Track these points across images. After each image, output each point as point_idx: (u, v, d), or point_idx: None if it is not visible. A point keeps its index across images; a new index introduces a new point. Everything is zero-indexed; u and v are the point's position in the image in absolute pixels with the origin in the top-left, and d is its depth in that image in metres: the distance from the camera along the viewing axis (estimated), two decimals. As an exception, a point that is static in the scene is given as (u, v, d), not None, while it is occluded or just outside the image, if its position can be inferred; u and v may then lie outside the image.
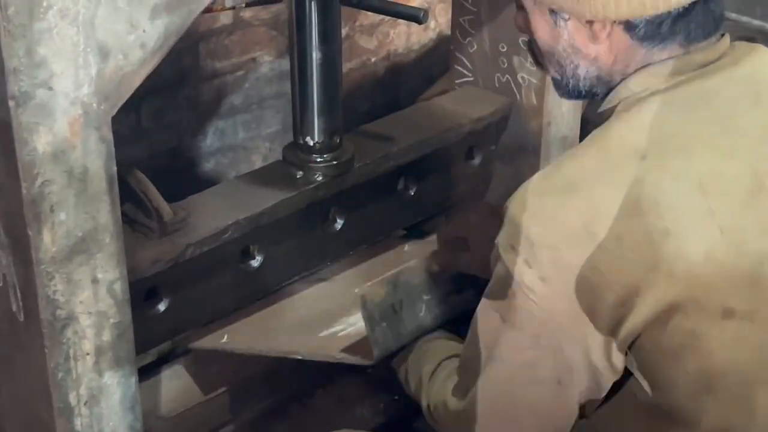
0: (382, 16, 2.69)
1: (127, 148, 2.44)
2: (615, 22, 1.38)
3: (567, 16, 1.40)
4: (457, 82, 2.35)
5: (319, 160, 2.00)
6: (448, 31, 2.47)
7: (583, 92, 1.48)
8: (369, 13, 2.60)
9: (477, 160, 2.33)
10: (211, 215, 1.86)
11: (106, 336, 1.56)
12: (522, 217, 1.35)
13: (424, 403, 1.66)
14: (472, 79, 2.32)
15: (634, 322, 1.32)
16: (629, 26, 1.39)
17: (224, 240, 1.85)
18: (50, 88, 1.36)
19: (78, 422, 1.58)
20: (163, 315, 1.84)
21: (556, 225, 1.33)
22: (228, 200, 1.91)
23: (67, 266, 1.47)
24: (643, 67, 1.41)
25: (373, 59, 2.94)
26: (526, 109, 2.24)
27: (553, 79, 1.51)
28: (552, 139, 2.26)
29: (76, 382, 1.55)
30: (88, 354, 1.55)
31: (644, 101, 1.39)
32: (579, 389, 1.40)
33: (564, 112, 2.25)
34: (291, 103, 2.01)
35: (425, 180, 2.23)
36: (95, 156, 1.44)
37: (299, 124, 2.01)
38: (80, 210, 1.45)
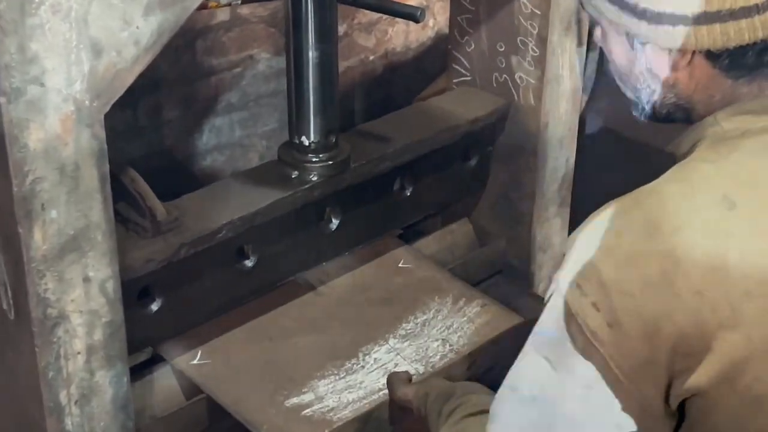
0: (380, 15, 2.68)
1: (123, 145, 2.43)
2: (696, 51, 1.32)
3: (644, 40, 1.35)
4: (454, 81, 2.35)
5: (314, 159, 1.99)
6: (446, 30, 2.45)
7: (661, 118, 1.41)
8: (367, 11, 2.58)
9: (473, 161, 2.32)
10: (205, 215, 1.85)
11: (98, 335, 1.56)
12: (594, 254, 1.24)
13: None
14: (470, 78, 2.31)
15: (698, 378, 1.25)
16: (712, 55, 1.31)
17: (218, 240, 1.84)
18: (42, 85, 1.36)
19: (69, 421, 1.58)
20: (156, 315, 1.83)
21: (634, 270, 1.22)
22: (222, 200, 1.91)
23: (59, 264, 1.47)
24: (732, 101, 1.33)
25: (371, 57, 2.93)
26: (524, 109, 2.23)
27: (629, 101, 1.45)
28: (550, 140, 2.25)
29: (67, 381, 1.55)
30: (79, 353, 1.55)
31: (735, 141, 1.29)
32: None
33: (562, 113, 2.24)
34: (287, 99, 2.01)
35: (421, 180, 2.22)
36: (87, 153, 1.44)
37: (295, 123, 2.00)
38: (72, 208, 1.45)
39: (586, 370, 1.26)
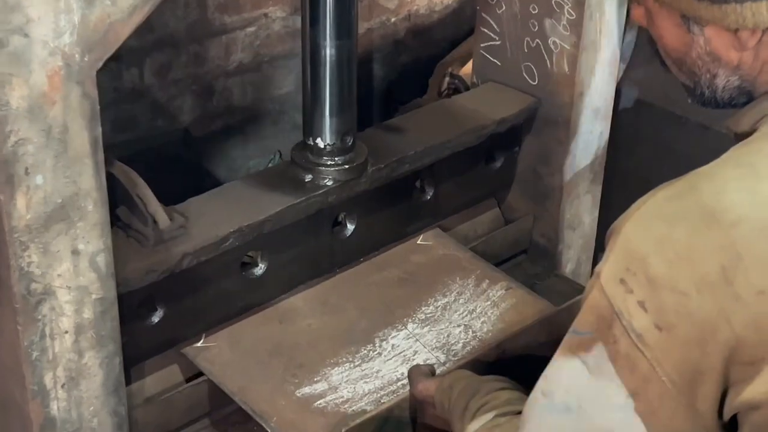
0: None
1: (128, 106, 2.32)
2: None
3: (704, 22, 1.24)
4: (482, 45, 2.20)
5: (329, 163, 1.87)
6: (474, -9, 2.30)
7: (721, 103, 1.32)
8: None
9: (498, 163, 2.20)
10: (211, 221, 1.73)
11: (87, 313, 1.46)
12: (642, 246, 1.12)
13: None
14: (498, 42, 2.16)
15: (755, 390, 1.11)
16: None
17: (224, 249, 1.73)
18: (26, 36, 1.24)
19: (54, 406, 1.48)
20: (157, 326, 1.72)
21: (688, 265, 1.11)
22: (230, 205, 1.78)
23: (44, 235, 1.36)
24: None
25: (393, 19, 2.79)
26: (557, 77, 2.08)
27: (684, 86, 1.35)
28: (584, 111, 2.10)
29: (53, 362, 1.45)
30: (66, 332, 1.44)
31: None
32: None
33: (598, 82, 2.09)
34: (302, 97, 1.89)
35: (443, 183, 2.10)
36: (77, 114, 1.33)
37: (309, 123, 1.88)
38: (59, 173, 1.34)
39: (628, 377, 1.13)
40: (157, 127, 2.40)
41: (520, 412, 1.35)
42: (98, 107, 1.34)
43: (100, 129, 1.35)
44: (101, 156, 1.37)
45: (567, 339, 1.20)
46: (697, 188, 1.15)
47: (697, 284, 1.09)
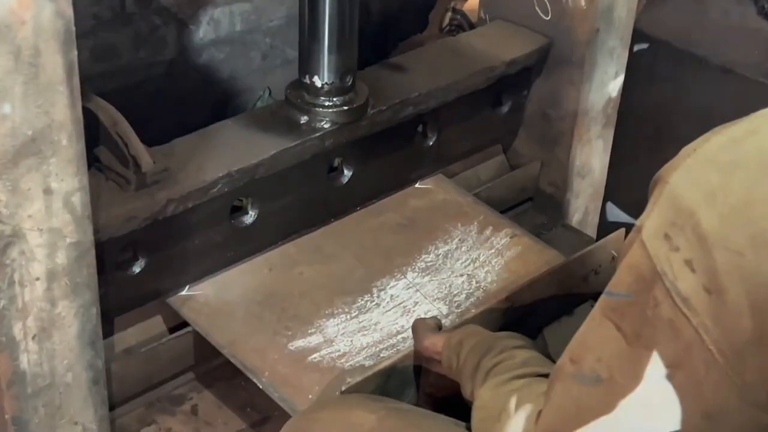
0: None
1: (109, 34, 2.17)
2: None
3: None
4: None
5: (327, 104, 1.74)
6: None
7: None
8: None
9: (505, 108, 2.08)
10: (198, 165, 1.61)
11: (61, 258, 1.34)
12: (691, 198, 0.99)
13: (468, 393, 1.35)
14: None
15: None
16: None
17: (212, 195, 1.60)
18: None
19: (24, 359, 1.37)
20: (139, 277, 1.60)
21: (745, 220, 0.97)
22: (218, 147, 1.66)
23: (12, 172, 1.24)
24: None
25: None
26: (572, 12, 1.95)
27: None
28: (599, 50, 1.97)
29: (23, 312, 1.33)
30: (37, 279, 1.33)
31: None
32: None
33: (616, 18, 1.96)
34: (299, 31, 1.76)
35: (446, 128, 1.97)
36: (50, 35, 1.20)
37: (306, 60, 1.75)
38: (30, 102, 1.22)
39: (670, 345, 1.00)
40: (140, 59, 2.25)
41: (538, 375, 1.24)
42: (73, 28, 1.21)
43: (75, 53, 1.22)
44: (77, 84, 1.24)
45: (601, 301, 1.07)
46: (759, 132, 1.01)
47: (754, 242, 0.97)
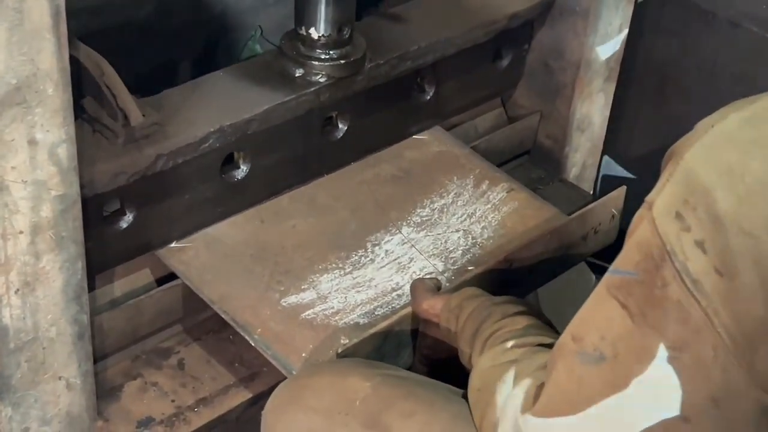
0: None
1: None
2: None
3: None
4: None
5: (323, 57, 1.67)
6: None
7: None
8: None
9: (505, 62, 2.01)
10: (189, 119, 1.54)
11: (46, 211, 1.29)
12: (707, 176, 0.96)
13: (466, 358, 1.33)
14: None
15: None
16: None
17: (203, 150, 1.55)
18: None
19: (7, 313, 1.32)
20: (126, 232, 1.54)
21: (761, 201, 0.94)
22: (210, 100, 1.59)
23: None
24: None
25: None
26: (577, -40, 1.90)
27: None
28: (604, 1, 1.91)
29: (5, 265, 1.29)
30: (21, 232, 1.28)
31: None
32: (718, 430, 1.02)
33: (622, -31, 1.90)
34: None
35: (444, 83, 1.91)
36: None
37: (302, 10, 1.67)
38: (14, 50, 1.16)
39: (677, 327, 0.97)
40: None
41: (539, 345, 1.20)
42: (60, -31, 1.14)
43: (63, -2, 1.16)
44: (64, 31, 1.18)
45: (606, 279, 1.03)
46: None
47: None
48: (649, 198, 0.99)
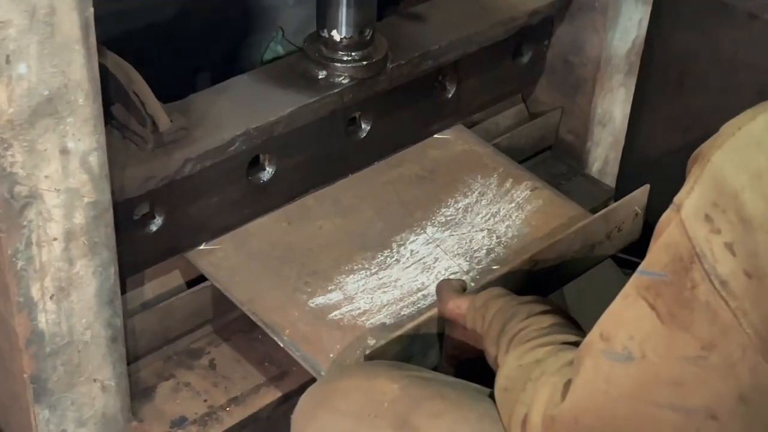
0: None
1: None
2: None
3: None
4: None
5: (346, 58, 1.68)
6: None
7: None
8: None
9: (525, 58, 2.02)
10: (216, 123, 1.56)
11: (79, 218, 1.31)
12: (736, 178, 0.96)
13: (492, 359, 1.34)
14: None
15: None
16: None
17: (230, 154, 1.57)
18: None
19: (42, 318, 1.35)
20: (156, 235, 1.57)
21: None
22: (235, 104, 1.61)
23: (29, 132, 1.21)
24: None
25: None
26: (596, -44, 1.90)
27: None
28: (624, -5, 1.93)
29: (41, 272, 1.31)
30: (55, 239, 1.31)
31: None
32: (747, 428, 1.02)
33: (641, -36, 1.91)
34: None
35: (465, 80, 1.91)
36: None
37: (324, 13, 1.69)
38: (46, 62, 1.18)
39: (705, 328, 0.98)
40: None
41: (564, 343, 1.22)
42: (89, -17, 1.17)
43: (91, 10, 1.18)
44: (93, 42, 1.21)
45: (634, 280, 1.05)
46: None
47: None
48: (677, 200, 1.00)
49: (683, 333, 1.00)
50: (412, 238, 1.70)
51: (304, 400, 1.36)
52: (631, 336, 1.03)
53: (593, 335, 1.08)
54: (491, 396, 1.25)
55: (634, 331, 1.03)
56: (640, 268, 1.04)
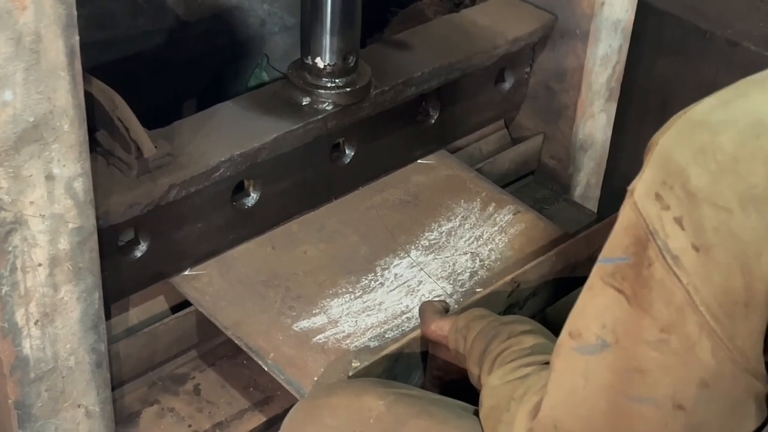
0: None
1: (107, 2, 2.11)
2: None
3: None
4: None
5: (329, 85, 1.71)
6: None
7: None
8: None
9: (508, 84, 2.05)
10: (200, 149, 1.58)
11: (63, 243, 1.32)
12: (681, 156, 0.98)
13: (475, 379, 1.35)
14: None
15: None
16: None
17: (214, 179, 1.58)
18: None
19: (27, 344, 1.35)
20: (141, 261, 1.57)
21: (733, 177, 0.97)
22: (220, 130, 1.63)
23: (14, 158, 1.22)
24: None
25: None
26: (577, -15, 1.92)
27: None
28: (604, 23, 1.94)
29: (25, 297, 1.32)
30: (40, 265, 1.31)
31: None
32: (711, 414, 1.03)
33: (621, -9, 1.93)
34: (301, 12, 1.72)
35: (448, 106, 1.94)
36: (51, 20, 1.17)
37: (308, 41, 1.71)
38: (31, 89, 1.20)
39: (663, 308, 0.99)
40: (138, 27, 2.21)
41: (546, 363, 1.23)
42: (75, 13, 1.18)
43: (77, 38, 1.19)
44: (79, 69, 1.22)
45: (597, 270, 1.05)
46: (748, 95, 1.00)
47: (741, 199, 0.95)
48: (630, 186, 1.02)
49: (644, 314, 1.00)
50: (396, 261, 1.71)
51: (292, 416, 1.36)
52: (603, 324, 1.04)
53: (562, 337, 1.09)
54: (476, 414, 1.26)
55: (605, 318, 1.03)
56: (600, 257, 1.04)
